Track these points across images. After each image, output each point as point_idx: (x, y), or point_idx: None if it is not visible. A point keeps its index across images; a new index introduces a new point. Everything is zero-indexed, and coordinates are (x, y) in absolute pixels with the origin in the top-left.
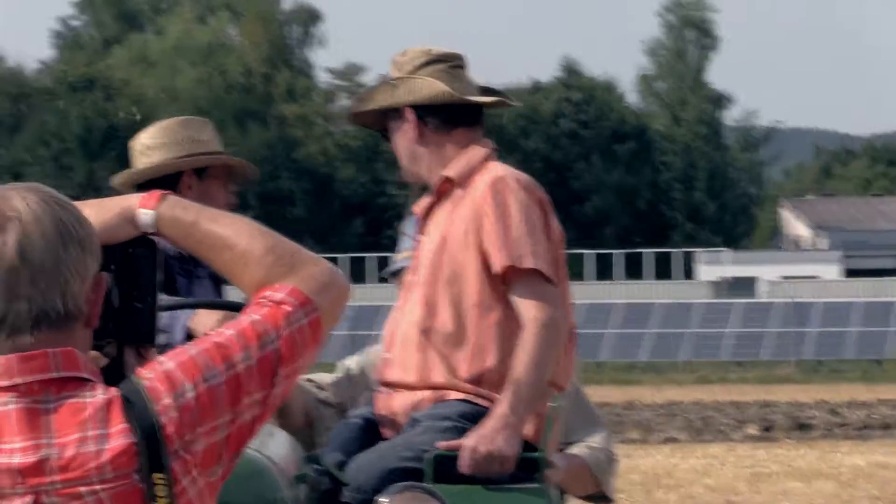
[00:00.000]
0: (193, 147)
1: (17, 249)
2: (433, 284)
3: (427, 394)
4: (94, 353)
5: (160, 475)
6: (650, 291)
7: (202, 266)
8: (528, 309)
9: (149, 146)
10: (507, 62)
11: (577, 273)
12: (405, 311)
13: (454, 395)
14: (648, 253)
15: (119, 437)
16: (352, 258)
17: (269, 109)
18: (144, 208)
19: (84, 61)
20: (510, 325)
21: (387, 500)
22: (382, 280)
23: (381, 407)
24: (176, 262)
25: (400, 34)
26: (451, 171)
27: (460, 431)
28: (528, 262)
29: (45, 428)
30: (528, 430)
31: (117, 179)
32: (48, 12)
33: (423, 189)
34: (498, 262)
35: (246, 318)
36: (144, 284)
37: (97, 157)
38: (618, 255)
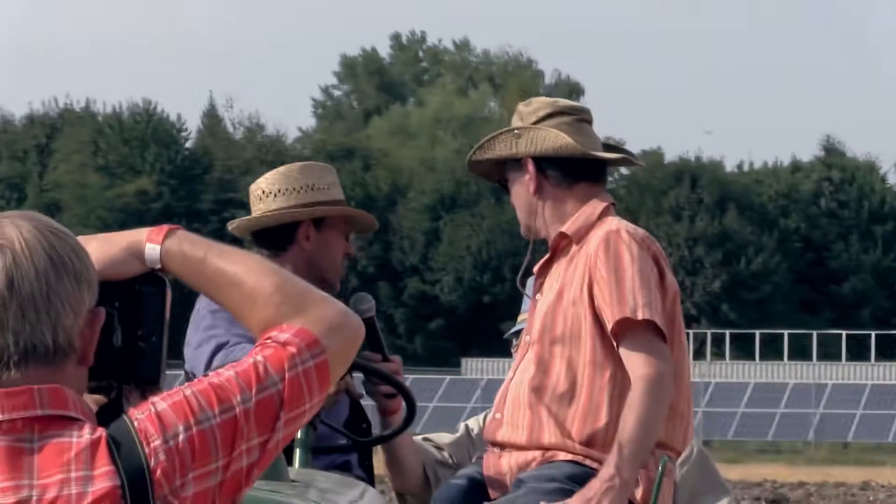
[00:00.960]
0: (312, 195)
1: (5, 280)
2: (546, 343)
3: (536, 454)
4: (96, 396)
5: None
6: None
7: None
8: (636, 365)
9: (266, 192)
10: (768, 140)
11: (833, 354)
12: (518, 370)
13: (563, 455)
14: None
15: (103, 479)
16: None
17: None
18: (152, 243)
19: (343, 131)
20: (624, 384)
21: None
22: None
23: (489, 467)
24: None
25: (659, 109)
26: (568, 227)
27: (566, 493)
28: (641, 314)
29: (26, 468)
30: (637, 492)
31: (233, 225)
32: (309, 81)
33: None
34: (610, 316)
35: (248, 359)
36: (150, 324)
37: None
38: (872, 336)
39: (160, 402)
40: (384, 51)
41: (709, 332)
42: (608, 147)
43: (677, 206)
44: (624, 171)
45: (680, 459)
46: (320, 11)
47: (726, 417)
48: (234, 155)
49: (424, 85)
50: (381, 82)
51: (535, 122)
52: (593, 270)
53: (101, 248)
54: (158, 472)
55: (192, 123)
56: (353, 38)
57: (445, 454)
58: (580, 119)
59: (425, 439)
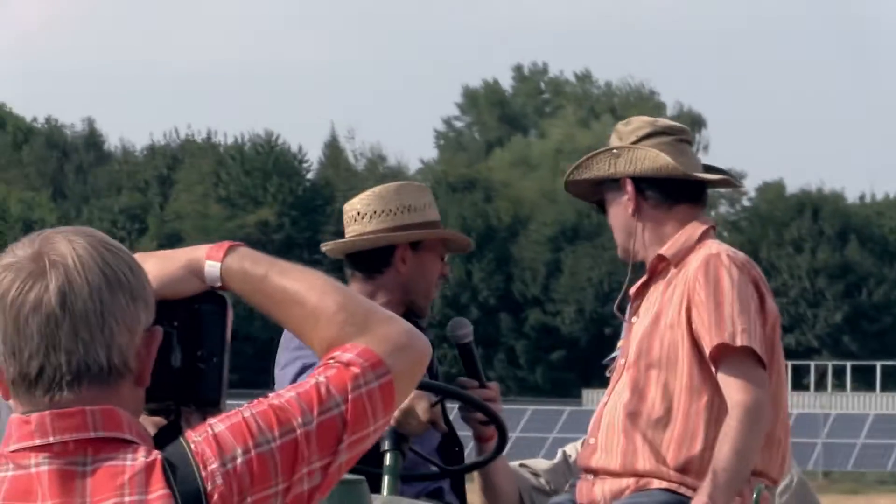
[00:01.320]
0: (408, 217)
1: (59, 297)
2: (642, 367)
3: (630, 481)
4: (155, 418)
5: None
6: None
7: None
8: (734, 392)
9: (362, 213)
10: (890, 172)
11: None
12: (613, 394)
13: (657, 483)
14: None
15: (158, 503)
16: None
17: None
18: (211, 260)
19: (465, 162)
20: (721, 410)
21: None
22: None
23: (582, 494)
24: None
25: (780, 141)
26: (667, 249)
27: None
28: (740, 341)
29: (79, 491)
30: None
31: (327, 247)
32: (431, 113)
33: (640, 268)
34: (708, 342)
35: (311, 380)
36: (210, 344)
37: (474, 257)
38: None
39: (218, 424)
40: (506, 82)
41: (830, 363)
42: (708, 168)
43: (799, 237)
44: (746, 202)
45: (779, 489)
46: (442, 43)
47: (846, 449)
48: (356, 186)
49: (546, 116)
50: (503, 114)
51: (635, 142)
52: (692, 294)
53: (160, 265)
54: (216, 495)
55: (314, 154)
56: (475, 70)
57: (542, 480)
58: (680, 139)
59: (522, 465)
